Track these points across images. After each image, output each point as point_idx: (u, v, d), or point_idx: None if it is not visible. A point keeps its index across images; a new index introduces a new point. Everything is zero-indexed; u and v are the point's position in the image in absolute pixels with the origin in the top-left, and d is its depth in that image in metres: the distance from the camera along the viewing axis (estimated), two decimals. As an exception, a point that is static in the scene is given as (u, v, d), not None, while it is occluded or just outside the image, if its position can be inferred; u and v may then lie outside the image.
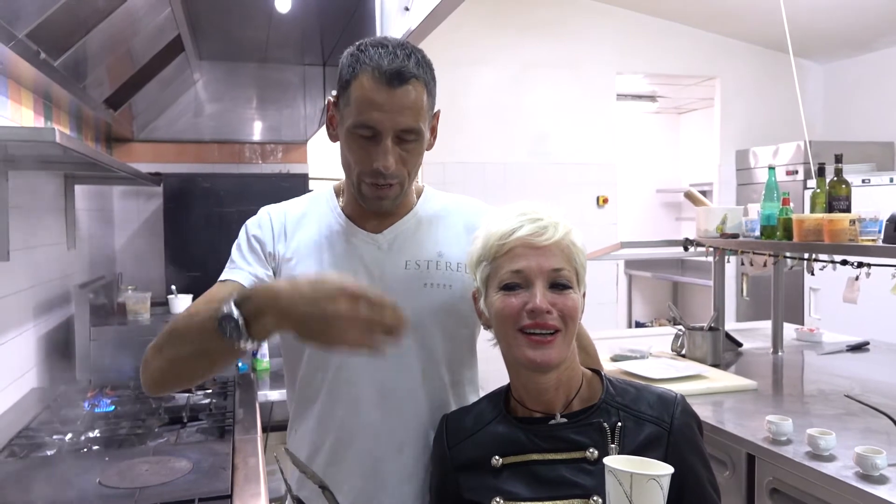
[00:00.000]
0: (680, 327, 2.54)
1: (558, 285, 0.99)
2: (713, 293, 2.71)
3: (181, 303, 2.77)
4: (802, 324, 3.74)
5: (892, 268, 1.89)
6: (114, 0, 1.93)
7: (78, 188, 2.78)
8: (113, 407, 2.01)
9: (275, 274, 1.21)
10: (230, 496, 1.37)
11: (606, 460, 0.87)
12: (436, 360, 1.20)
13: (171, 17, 2.34)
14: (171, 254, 3.22)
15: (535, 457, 1.00)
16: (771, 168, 2.39)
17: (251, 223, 1.26)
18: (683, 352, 2.51)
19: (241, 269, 1.20)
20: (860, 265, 2.00)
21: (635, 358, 2.39)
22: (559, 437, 1.00)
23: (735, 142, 5.04)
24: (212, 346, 0.98)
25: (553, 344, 0.98)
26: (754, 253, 2.41)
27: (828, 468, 1.49)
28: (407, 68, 1.08)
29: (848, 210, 2.11)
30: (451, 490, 1.07)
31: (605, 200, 4.78)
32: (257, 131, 3.98)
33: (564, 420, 1.01)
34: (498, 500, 0.99)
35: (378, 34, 2.21)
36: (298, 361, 1.22)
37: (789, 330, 2.93)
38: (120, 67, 2.59)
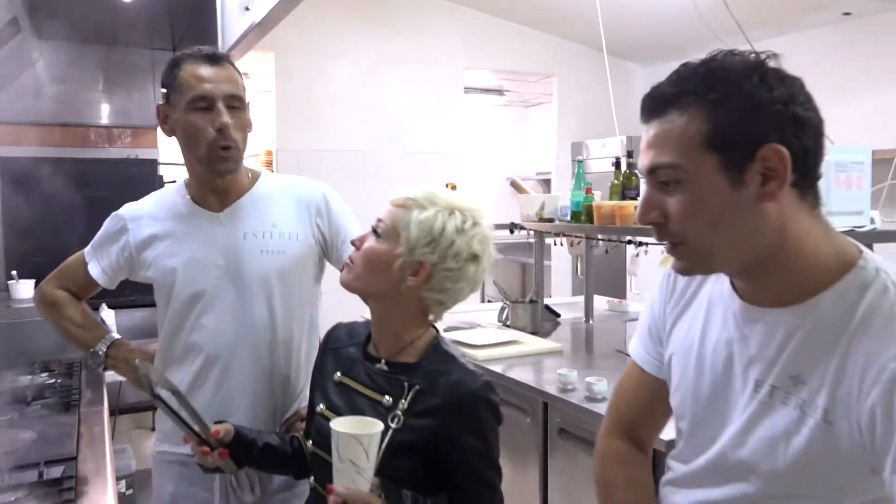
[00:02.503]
0: (507, 301, 2.87)
1: (374, 231, 1.18)
2: (534, 271, 3.07)
3: (23, 288, 2.75)
4: (626, 298, 4.25)
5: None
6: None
7: None
8: (-49, 390, 2.02)
9: (131, 258, 1.51)
10: (75, 458, 1.49)
11: (333, 422, 1.02)
12: (274, 313, 1.47)
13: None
14: (11, 240, 3.15)
15: (356, 385, 1.21)
16: (579, 161, 2.76)
17: (113, 220, 1.55)
18: (508, 322, 2.84)
19: (98, 262, 1.55)
20: (640, 244, 2.40)
21: (464, 328, 2.69)
22: (375, 379, 1.19)
23: (570, 135, 5.53)
24: (75, 347, 1.60)
25: (347, 271, 1.19)
26: (565, 235, 2.77)
27: (599, 407, 1.83)
28: (220, 54, 1.41)
29: (636, 198, 2.51)
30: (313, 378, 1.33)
31: (454, 187, 5.08)
32: (104, 114, 3.91)
33: (384, 368, 1.19)
34: (321, 406, 1.23)
35: (219, 29, 2.34)
36: (163, 320, 1.52)
37: (603, 303, 3.37)
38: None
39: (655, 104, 0.87)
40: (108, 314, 2.82)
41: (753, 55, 0.84)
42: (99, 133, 3.79)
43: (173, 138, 1.47)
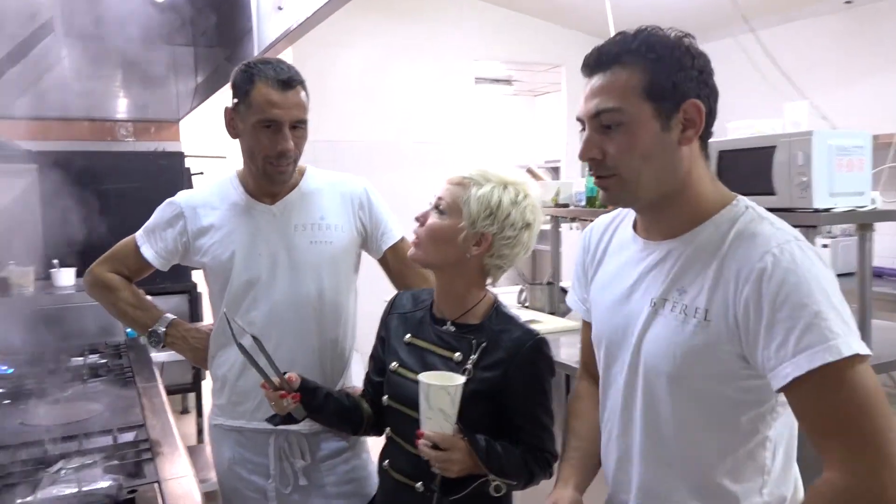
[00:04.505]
0: (525, 284, 3.01)
1: (437, 209, 1.30)
2: (551, 255, 3.20)
3: (64, 276, 2.89)
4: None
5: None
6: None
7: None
8: (11, 370, 2.16)
9: (187, 244, 1.62)
10: (143, 425, 1.64)
11: (420, 376, 1.19)
12: (323, 297, 1.60)
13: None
14: (50, 229, 3.28)
15: (425, 345, 1.35)
16: (593, 148, 2.88)
17: (169, 206, 1.65)
18: (527, 304, 2.98)
19: (152, 245, 1.65)
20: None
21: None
22: (444, 338, 1.33)
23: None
24: (132, 327, 1.81)
25: (415, 246, 1.32)
26: (580, 219, 2.90)
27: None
28: (294, 76, 1.51)
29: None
30: (380, 339, 1.45)
31: (466, 176, 5.21)
32: (128, 109, 4.03)
33: (452, 329, 1.33)
34: (395, 364, 1.36)
35: (254, 27, 2.45)
36: (218, 302, 1.63)
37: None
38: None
39: (601, 60, 1.05)
40: (66, 272, 2.95)
41: (675, 32, 1.05)
42: (125, 126, 3.92)
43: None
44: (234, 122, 1.55)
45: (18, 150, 2.82)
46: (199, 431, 3.82)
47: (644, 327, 1.09)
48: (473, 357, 1.28)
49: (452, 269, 1.32)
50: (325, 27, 4.73)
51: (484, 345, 1.29)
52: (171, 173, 3.54)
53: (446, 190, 1.31)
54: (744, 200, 1.09)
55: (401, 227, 1.71)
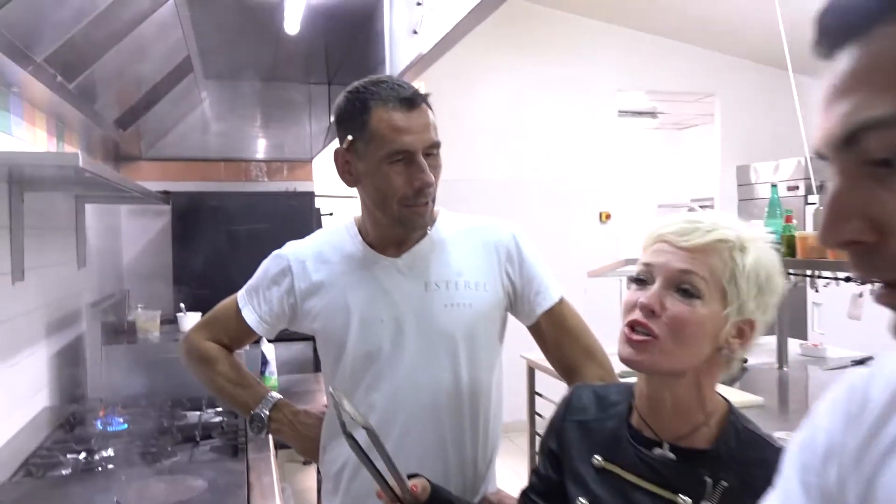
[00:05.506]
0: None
1: (682, 290, 0.88)
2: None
3: (190, 320, 2.78)
4: (806, 338, 3.76)
5: None
6: (128, 24, 1.97)
7: (88, 207, 2.81)
8: (125, 425, 2.02)
9: (295, 306, 1.32)
10: (246, 515, 1.39)
11: None
12: (459, 377, 1.25)
13: (181, 39, 2.38)
14: (179, 272, 3.25)
15: (629, 476, 0.93)
16: (773, 185, 2.42)
17: (275, 260, 1.35)
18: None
19: (255, 309, 1.35)
20: (864, 282, 2.01)
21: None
22: (658, 469, 0.92)
23: (736, 157, 5.09)
24: (231, 407, 1.48)
25: (643, 348, 0.89)
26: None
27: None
28: (417, 93, 1.20)
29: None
30: (551, 453, 1.05)
31: (608, 216, 4.82)
32: (263, 149, 4.02)
33: (671, 456, 0.91)
34: (582, 500, 0.96)
35: (386, 55, 2.25)
36: (330, 379, 1.32)
37: (794, 345, 2.95)
38: (130, 88, 2.63)
39: (849, 20, 0.44)
40: (268, 348, 2.80)
41: None
42: (259, 167, 3.89)
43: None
44: (349, 165, 1.23)
45: (153, 193, 2.77)
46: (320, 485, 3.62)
47: None
48: None
49: (696, 370, 0.91)
50: (458, 63, 4.55)
51: (724, 484, 0.87)
52: (300, 213, 3.42)
53: (693, 259, 0.89)
54: None
55: (559, 285, 1.34)
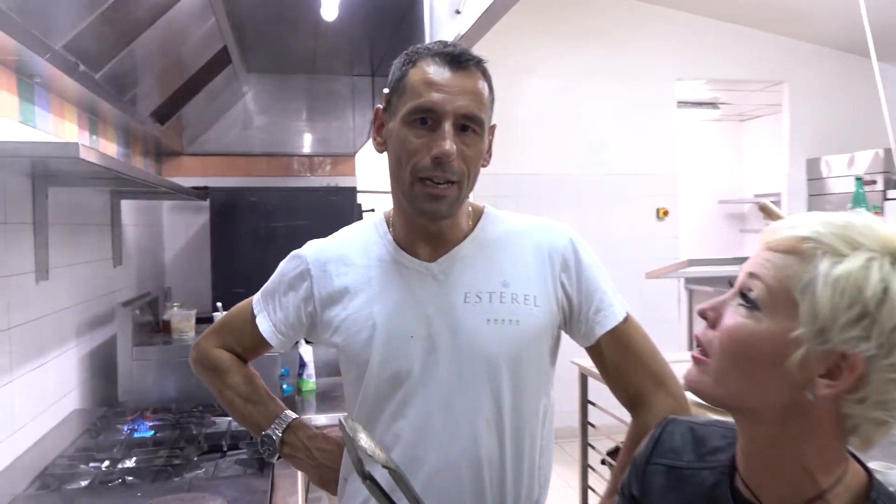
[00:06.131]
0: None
1: (744, 297, 0.71)
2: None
3: (226, 320, 2.69)
4: None
5: None
6: (153, 11, 1.87)
7: (127, 203, 2.75)
8: (152, 432, 1.93)
9: (313, 315, 1.15)
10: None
11: None
12: (501, 406, 1.06)
13: (215, 27, 2.28)
14: (217, 269, 3.17)
15: None
16: (858, 179, 2.18)
17: (292, 261, 1.18)
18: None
19: (269, 315, 1.19)
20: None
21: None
22: None
23: (805, 150, 4.76)
24: (241, 425, 1.27)
25: (698, 368, 0.75)
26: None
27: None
28: (469, 53, 1.02)
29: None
30: (632, 499, 0.88)
31: (666, 213, 4.56)
32: (306, 144, 3.93)
33: None
34: None
35: (427, 40, 2.10)
36: (352, 403, 1.16)
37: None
38: (165, 80, 2.55)
39: None
40: (305, 350, 2.69)
41: None
42: (301, 162, 3.79)
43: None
44: (381, 126, 1.08)
45: (185, 188, 2.69)
46: None
47: None
48: None
49: (776, 419, 0.70)
50: (505, 52, 4.37)
51: None
52: (341, 209, 3.29)
53: (764, 262, 0.70)
54: None
55: (623, 301, 1.13)
